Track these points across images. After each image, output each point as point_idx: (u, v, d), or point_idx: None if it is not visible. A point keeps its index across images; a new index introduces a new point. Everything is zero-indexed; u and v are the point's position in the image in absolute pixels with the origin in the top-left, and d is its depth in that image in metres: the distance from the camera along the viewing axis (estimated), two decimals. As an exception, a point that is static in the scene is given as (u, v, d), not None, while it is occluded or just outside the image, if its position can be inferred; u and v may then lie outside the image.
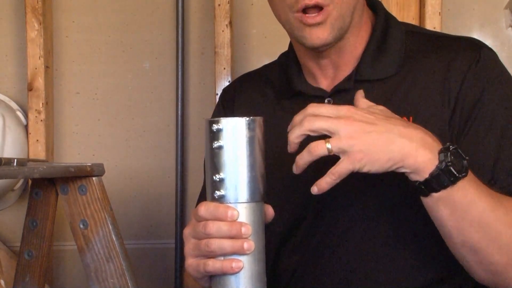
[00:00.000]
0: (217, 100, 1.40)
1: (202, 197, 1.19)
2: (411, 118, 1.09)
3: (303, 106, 1.17)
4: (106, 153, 2.03)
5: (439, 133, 1.07)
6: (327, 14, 1.07)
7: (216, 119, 0.92)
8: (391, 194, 1.08)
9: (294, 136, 0.96)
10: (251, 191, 0.92)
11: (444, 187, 0.95)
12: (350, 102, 1.13)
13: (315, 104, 0.97)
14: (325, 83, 1.17)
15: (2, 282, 1.02)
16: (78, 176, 1.23)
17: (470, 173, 0.97)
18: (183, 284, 1.24)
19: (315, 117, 0.95)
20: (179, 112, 2.01)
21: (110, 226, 1.24)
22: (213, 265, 0.92)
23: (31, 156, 1.93)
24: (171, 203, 2.01)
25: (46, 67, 1.96)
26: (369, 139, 0.94)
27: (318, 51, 1.13)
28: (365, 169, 0.94)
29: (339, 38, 1.11)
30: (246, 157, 0.92)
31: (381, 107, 1.00)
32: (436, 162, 0.94)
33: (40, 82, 1.95)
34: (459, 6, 2.00)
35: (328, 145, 0.93)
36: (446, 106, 1.08)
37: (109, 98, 2.04)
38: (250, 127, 0.92)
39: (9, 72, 2.03)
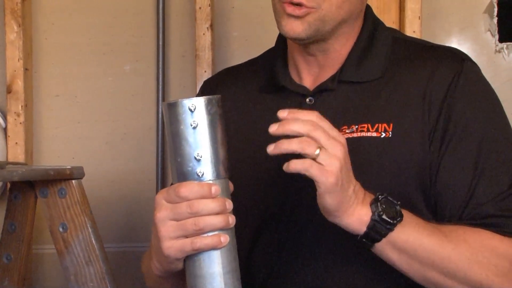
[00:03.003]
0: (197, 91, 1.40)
1: None
2: (391, 125, 1.10)
3: (284, 101, 1.18)
4: (86, 156, 2.02)
5: (419, 142, 1.08)
6: (306, 11, 1.09)
7: (187, 99, 0.93)
8: None
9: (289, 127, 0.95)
10: (225, 167, 0.95)
11: (383, 235, 0.99)
12: (332, 102, 1.14)
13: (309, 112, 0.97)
14: (309, 81, 1.18)
15: (-20, 286, 1.02)
16: (58, 179, 1.23)
17: (409, 217, 1.01)
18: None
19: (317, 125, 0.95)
20: (160, 115, 2.01)
21: (90, 229, 1.24)
22: (201, 241, 0.93)
23: (10, 159, 1.92)
24: (152, 206, 2.00)
25: (26, 69, 1.95)
26: (345, 172, 0.96)
27: (301, 44, 1.14)
28: (322, 190, 0.95)
29: (315, 38, 1.12)
30: (220, 134, 0.94)
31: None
32: (370, 214, 0.99)
33: (19, 85, 1.93)
34: (438, 10, 2.01)
35: (318, 151, 0.94)
36: (427, 117, 1.09)
37: (89, 100, 2.03)
38: (219, 104, 0.95)
39: (-12, 74, 2.02)
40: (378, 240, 1.00)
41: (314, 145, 0.93)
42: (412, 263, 1.02)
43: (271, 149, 0.94)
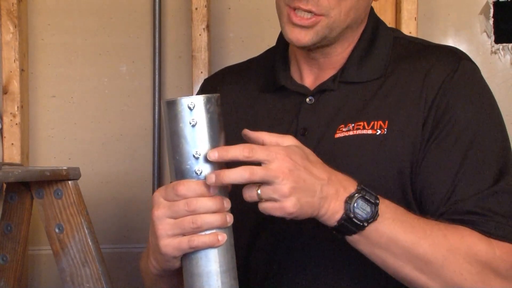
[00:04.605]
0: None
1: None
2: (386, 122, 1.10)
3: (284, 101, 1.18)
4: (82, 157, 2.02)
5: (413, 138, 1.08)
6: (316, 21, 1.09)
7: (186, 97, 0.93)
8: None
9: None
10: (223, 166, 0.94)
11: (353, 232, 0.98)
12: (331, 102, 1.15)
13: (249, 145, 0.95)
14: (309, 81, 1.18)
15: (-24, 287, 1.01)
16: (54, 180, 1.22)
17: (388, 211, 0.99)
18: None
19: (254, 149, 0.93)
20: (156, 116, 2.01)
21: (86, 230, 1.24)
22: (199, 239, 0.93)
23: (6, 160, 1.92)
24: (148, 207, 2.00)
25: (22, 70, 1.95)
26: (302, 181, 0.94)
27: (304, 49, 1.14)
28: (289, 218, 0.95)
29: (320, 44, 1.12)
30: (218, 133, 0.94)
31: (307, 151, 0.99)
32: (342, 212, 0.97)
33: (15, 85, 1.93)
34: (434, 11, 2.01)
35: (259, 191, 0.94)
36: (421, 113, 1.10)
37: (85, 101, 2.03)
38: (218, 103, 0.95)
39: (-16, 75, 2.01)
40: (349, 235, 0.99)
41: (253, 188, 0.93)
42: (386, 257, 1.01)
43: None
